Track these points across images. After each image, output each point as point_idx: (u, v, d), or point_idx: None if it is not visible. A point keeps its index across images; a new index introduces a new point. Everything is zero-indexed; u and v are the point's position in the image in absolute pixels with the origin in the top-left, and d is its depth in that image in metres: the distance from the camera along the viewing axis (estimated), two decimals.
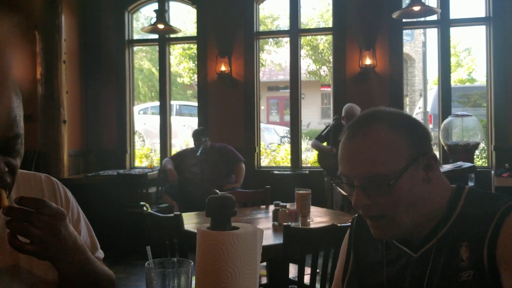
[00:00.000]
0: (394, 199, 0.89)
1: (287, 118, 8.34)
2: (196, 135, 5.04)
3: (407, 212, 0.91)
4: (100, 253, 1.18)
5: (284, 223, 2.27)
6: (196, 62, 6.36)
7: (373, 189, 0.90)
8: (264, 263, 2.91)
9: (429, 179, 0.93)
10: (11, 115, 0.84)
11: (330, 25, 5.93)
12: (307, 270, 2.27)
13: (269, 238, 2.40)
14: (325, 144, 4.82)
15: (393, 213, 0.90)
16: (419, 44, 16.43)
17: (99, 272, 1.04)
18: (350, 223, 1.15)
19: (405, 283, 0.95)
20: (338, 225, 2.21)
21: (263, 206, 3.43)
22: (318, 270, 2.25)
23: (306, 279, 2.28)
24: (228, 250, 0.68)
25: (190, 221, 2.74)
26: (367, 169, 0.90)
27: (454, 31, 16.15)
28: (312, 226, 2.71)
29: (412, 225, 0.93)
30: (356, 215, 1.12)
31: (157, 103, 6.45)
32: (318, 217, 2.95)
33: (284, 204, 2.70)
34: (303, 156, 5.83)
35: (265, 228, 2.63)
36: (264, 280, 2.84)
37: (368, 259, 1.04)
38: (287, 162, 7.61)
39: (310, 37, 13.40)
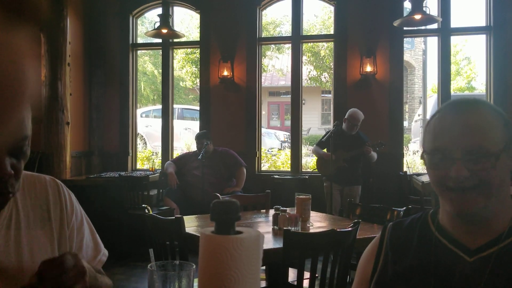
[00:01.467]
0: (491, 174, 0.92)
1: (288, 123, 8.35)
2: (198, 138, 5.07)
3: (497, 192, 0.93)
4: (104, 255, 1.17)
5: (284, 228, 2.31)
6: (198, 67, 6.39)
7: (475, 162, 0.92)
8: (264, 267, 2.93)
9: (510, 172, 0.95)
10: (20, 117, 0.83)
11: (332, 32, 5.97)
12: (306, 275, 2.29)
13: (269, 242, 2.43)
14: (325, 150, 4.85)
15: (490, 183, 0.92)
16: (419, 52, 16.46)
17: None
18: (381, 232, 1.12)
19: (456, 286, 0.95)
20: (338, 230, 2.24)
21: (263, 210, 3.45)
22: (317, 275, 2.27)
23: (305, 284, 2.30)
24: (232, 255, 0.67)
25: (191, 224, 2.77)
26: (474, 141, 0.92)
27: (454, 40, 16.19)
28: (311, 230, 2.73)
29: (491, 212, 0.95)
30: (391, 224, 1.12)
31: (160, 106, 6.48)
32: (317, 222, 2.97)
33: (284, 208, 2.72)
34: (303, 161, 5.86)
35: (265, 232, 2.66)
36: (263, 284, 2.86)
37: (410, 263, 1.02)
38: (287, 167, 7.63)
39: (311, 43, 13.43)
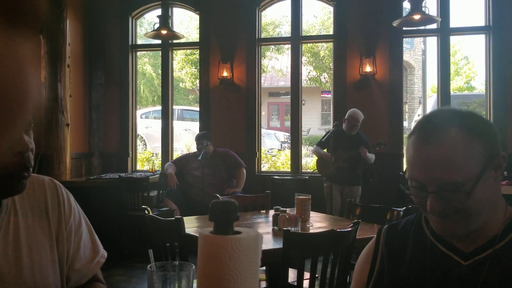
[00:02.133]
0: (468, 204, 0.90)
1: (288, 123, 8.35)
2: (198, 138, 5.08)
3: (480, 210, 0.92)
4: (102, 256, 1.16)
5: (284, 228, 2.30)
6: (198, 68, 6.40)
7: (448, 195, 0.90)
8: (264, 268, 2.93)
9: (497, 178, 0.94)
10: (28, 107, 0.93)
11: (331, 32, 5.97)
12: (306, 275, 2.29)
13: (269, 242, 2.43)
14: (325, 150, 4.85)
15: (468, 211, 0.91)
16: (418, 52, 16.47)
17: None
18: (376, 235, 1.11)
19: None
20: (338, 230, 2.24)
21: (263, 211, 3.45)
22: (317, 275, 2.27)
23: (306, 284, 2.30)
24: (231, 255, 0.67)
25: (191, 225, 2.77)
26: (444, 176, 0.89)
27: (453, 40, 16.18)
28: (311, 231, 2.73)
29: (478, 225, 0.93)
30: (386, 226, 1.11)
31: (159, 107, 6.48)
32: (317, 222, 2.97)
33: (284, 209, 2.72)
34: (303, 162, 5.86)
35: (265, 232, 2.66)
36: (263, 285, 2.86)
37: (405, 266, 1.02)
38: (287, 168, 7.63)
39: (311, 44, 13.44)
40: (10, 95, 0.83)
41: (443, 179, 0.89)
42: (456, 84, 17.23)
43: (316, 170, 5.10)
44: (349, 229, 2.25)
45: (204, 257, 0.70)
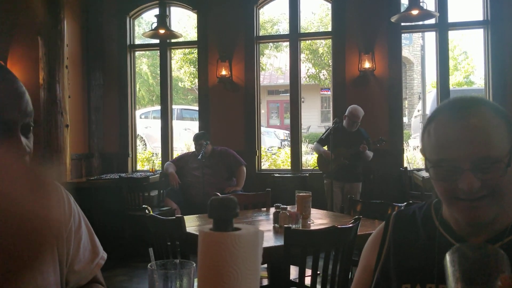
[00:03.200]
0: (503, 182, 0.89)
1: (287, 121, 8.36)
2: (196, 139, 5.07)
3: (505, 195, 0.90)
4: (102, 258, 1.15)
5: (285, 225, 2.30)
6: (197, 67, 6.39)
7: (485, 171, 0.88)
8: (265, 265, 2.93)
9: None
10: (25, 95, 0.90)
11: (330, 29, 5.96)
12: (308, 272, 2.29)
13: (270, 240, 2.43)
14: (325, 148, 4.85)
15: (499, 194, 0.90)
16: (417, 48, 16.46)
17: None
18: (385, 222, 1.11)
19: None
20: (339, 227, 2.24)
21: (264, 209, 3.45)
22: (318, 272, 2.27)
23: (307, 281, 2.30)
24: (231, 251, 0.67)
25: (191, 224, 2.77)
26: (480, 151, 0.87)
27: (451, 35, 16.18)
28: (312, 228, 2.73)
29: (497, 213, 0.92)
30: (395, 213, 1.11)
31: (159, 107, 6.48)
32: (318, 219, 2.97)
33: (285, 206, 2.72)
34: (303, 159, 5.86)
35: (266, 230, 2.66)
36: (265, 282, 2.86)
37: (413, 255, 1.01)
38: (287, 165, 7.62)
39: (309, 41, 13.43)
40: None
41: (479, 155, 0.87)
42: (455, 79, 17.23)
43: (317, 167, 5.10)
44: (350, 225, 2.25)
45: (204, 254, 0.70)
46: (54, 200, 0.50)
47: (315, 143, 5.09)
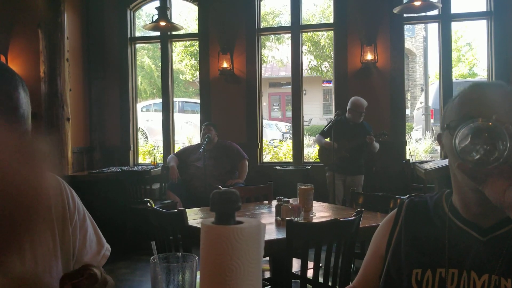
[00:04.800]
0: None
1: (289, 114, 8.34)
2: (207, 125, 5.07)
3: None
4: (107, 250, 1.19)
5: (287, 218, 2.30)
6: (198, 59, 6.36)
7: None
8: (268, 258, 2.94)
9: None
10: (19, 111, 0.86)
11: (332, 21, 5.93)
12: (310, 265, 2.29)
13: (272, 233, 2.43)
14: (328, 140, 4.84)
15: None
16: (420, 39, 16.37)
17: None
18: (398, 208, 1.12)
19: (471, 265, 0.95)
20: (341, 219, 2.24)
21: (266, 202, 3.45)
22: (321, 264, 2.27)
23: (309, 273, 2.30)
24: (233, 244, 0.67)
25: (193, 217, 2.77)
26: (505, 114, 0.88)
27: (455, 26, 16.08)
28: (314, 220, 2.73)
29: None
30: (408, 200, 1.12)
31: (160, 100, 6.47)
32: (320, 212, 2.97)
33: (287, 199, 2.72)
34: (305, 152, 5.85)
35: (268, 223, 2.66)
36: (267, 275, 2.87)
37: (424, 240, 1.03)
38: (289, 158, 7.62)
39: (311, 33, 13.36)
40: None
41: (504, 113, 0.88)
42: (459, 71, 17.15)
43: (318, 160, 5.09)
44: (352, 218, 2.24)
45: (206, 248, 0.70)
46: (47, 171, 0.51)
47: (317, 135, 5.08)
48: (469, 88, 0.99)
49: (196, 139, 5.24)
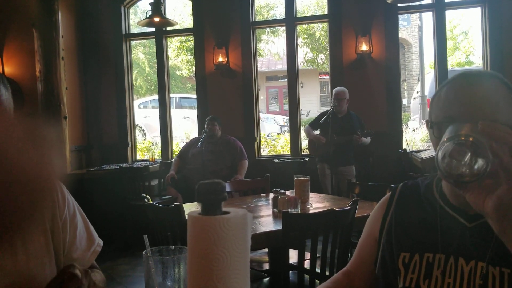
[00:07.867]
0: None
1: (287, 107, 8.33)
2: (211, 119, 5.00)
3: None
4: (98, 245, 1.18)
5: (283, 210, 2.32)
6: (193, 54, 6.35)
7: None
8: (266, 250, 2.96)
9: None
10: None
11: (326, 12, 5.91)
12: (307, 255, 2.31)
13: (269, 224, 2.45)
14: (317, 132, 4.85)
15: None
16: (415, 29, 16.32)
17: None
18: (391, 191, 1.15)
19: (458, 251, 0.96)
20: (336, 209, 2.25)
21: (263, 194, 3.47)
22: (318, 255, 2.29)
23: (306, 264, 2.32)
24: (219, 234, 0.68)
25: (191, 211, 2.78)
26: (487, 112, 0.90)
27: (451, 14, 16.02)
28: (311, 211, 2.75)
29: None
30: (402, 184, 1.14)
31: (157, 96, 6.46)
32: (317, 203, 2.99)
33: (283, 191, 2.74)
34: (303, 144, 5.85)
35: (266, 215, 2.68)
36: (266, 266, 2.89)
37: (413, 224, 1.04)
38: (287, 151, 7.63)
39: (306, 25, 13.31)
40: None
41: (484, 116, 0.89)
42: (456, 59, 17.11)
43: (306, 151, 5.11)
44: (348, 208, 2.26)
45: (193, 238, 0.71)
46: (49, 154, 0.51)
47: (306, 126, 5.06)
48: (458, 81, 0.97)
49: (194, 135, 5.22)
